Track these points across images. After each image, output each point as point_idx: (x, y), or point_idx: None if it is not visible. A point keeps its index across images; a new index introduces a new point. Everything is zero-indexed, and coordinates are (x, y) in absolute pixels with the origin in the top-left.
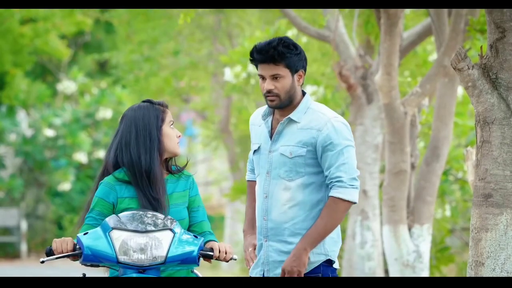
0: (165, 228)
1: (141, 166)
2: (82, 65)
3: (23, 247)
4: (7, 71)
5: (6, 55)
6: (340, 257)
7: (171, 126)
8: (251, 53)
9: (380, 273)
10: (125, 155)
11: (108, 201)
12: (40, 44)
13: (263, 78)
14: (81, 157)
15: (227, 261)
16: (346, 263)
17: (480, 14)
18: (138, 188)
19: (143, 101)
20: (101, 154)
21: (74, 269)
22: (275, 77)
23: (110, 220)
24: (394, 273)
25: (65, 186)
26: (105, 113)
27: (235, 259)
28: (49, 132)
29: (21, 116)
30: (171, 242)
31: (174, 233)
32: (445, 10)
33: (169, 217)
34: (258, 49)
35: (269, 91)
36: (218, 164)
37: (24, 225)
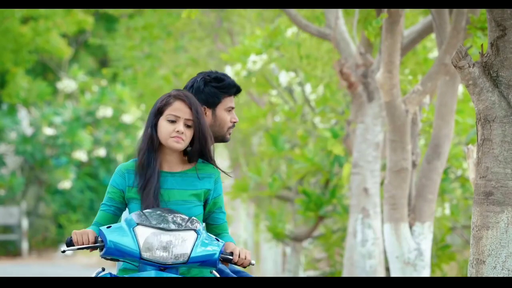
0: (189, 228)
1: (139, 158)
2: (82, 63)
3: (24, 245)
4: (8, 69)
5: (7, 54)
6: (341, 255)
7: (169, 119)
8: (230, 85)
9: (381, 271)
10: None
11: (118, 188)
12: (41, 42)
13: (231, 110)
14: (81, 155)
15: (245, 267)
16: (347, 261)
17: (480, 12)
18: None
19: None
20: (101, 152)
21: (75, 268)
22: None
23: (135, 216)
24: (395, 271)
25: (66, 184)
26: (105, 111)
27: (253, 264)
28: (50, 131)
29: (22, 114)
30: (195, 243)
31: (198, 234)
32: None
33: (193, 218)
34: (233, 82)
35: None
36: (219, 162)
37: (25, 223)
